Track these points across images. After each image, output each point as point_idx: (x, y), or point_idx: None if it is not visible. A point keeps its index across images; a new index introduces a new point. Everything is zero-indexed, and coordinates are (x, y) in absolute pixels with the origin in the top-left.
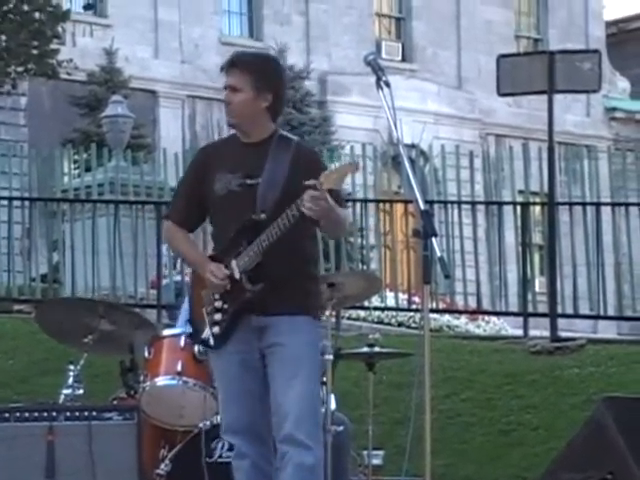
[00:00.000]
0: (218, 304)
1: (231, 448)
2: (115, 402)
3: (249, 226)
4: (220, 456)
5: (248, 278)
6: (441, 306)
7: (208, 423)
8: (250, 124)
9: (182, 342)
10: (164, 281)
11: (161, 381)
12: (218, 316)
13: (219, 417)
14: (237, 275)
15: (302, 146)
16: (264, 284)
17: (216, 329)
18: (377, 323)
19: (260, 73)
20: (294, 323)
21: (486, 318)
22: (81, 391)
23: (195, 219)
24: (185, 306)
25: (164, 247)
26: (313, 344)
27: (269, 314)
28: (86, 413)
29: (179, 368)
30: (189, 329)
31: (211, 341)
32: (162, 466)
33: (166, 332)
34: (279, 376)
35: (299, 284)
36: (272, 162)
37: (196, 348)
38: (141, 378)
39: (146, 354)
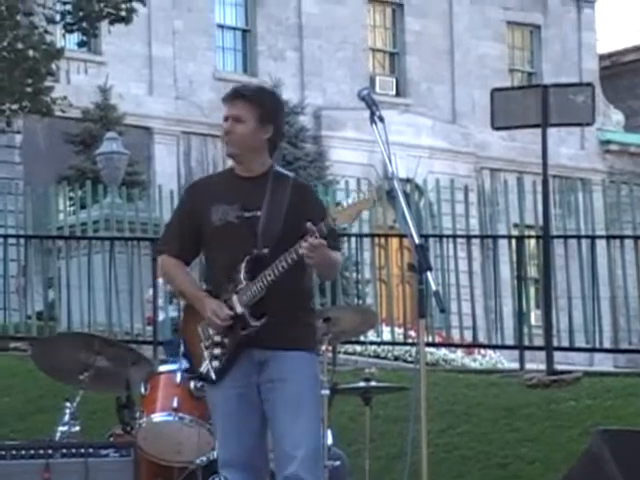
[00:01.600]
0: (217, 338)
1: None
2: (112, 439)
3: (252, 260)
4: None
5: (250, 313)
6: (437, 340)
7: (205, 459)
8: (249, 155)
9: (178, 378)
10: (160, 317)
11: (158, 417)
12: (217, 350)
13: (216, 453)
14: (239, 310)
15: (299, 182)
16: (267, 318)
17: (216, 363)
18: (373, 357)
19: (264, 105)
20: (295, 359)
21: (482, 352)
22: (77, 428)
23: (191, 252)
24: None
25: (159, 283)
26: (315, 380)
27: (270, 348)
28: (82, 450)
29: (175, 404)
30: (185, 365)
31: (212, 375)
32: None
33: (162, 368)
34: (282, 413)
35: (298, 319)
36: (271, 197)
37: (192, 384)
38: (137, 414)
39: (142, 390)
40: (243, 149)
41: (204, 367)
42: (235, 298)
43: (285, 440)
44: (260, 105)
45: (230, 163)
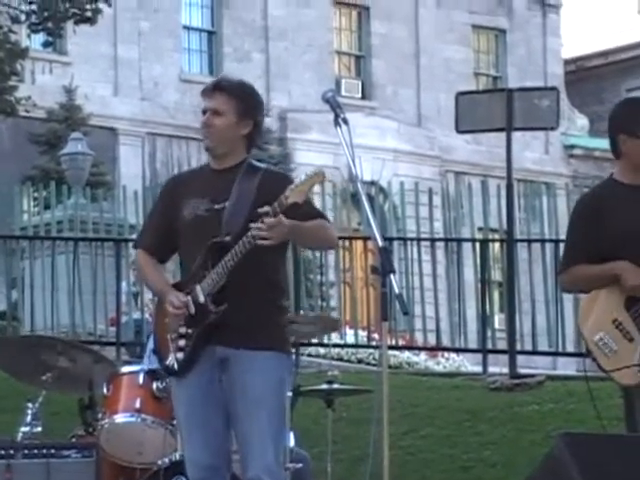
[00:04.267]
0: (183, 330)
1: None
2: (74, 440)
3: (214, 249)
4: None
5: (213, 300)
6: (400, 343)
7: (167, 460)
8: (226, 149)
9: (141, 379)
10: (123, 318)
11: (120, 418)
12: (182, 342)
13: (178, 454)
14: (202, 299)
15: (271, 171)
16: (228, 305)
17: (180, 355)
18: (336, 360)
19: (245, 100)
20: (257, 360)
21: (445, 355)
22: (39, 429)
23: (165, 248)
24: (150, 344)
25: (123, 284)
26: (278, 381)
27: (232, 346)
28: (44, 451)
29: (138, 405)
30: (148, 366)
31: (175, 366)
32: None
33: (125, 369)
34: (243, 415)
35: (266, 315)
36: (239, 187)
37: (155, 385)
38: (100, 415)
39: (105, 391)
40: (220, 142)
41: (169, 360)
42: (198, 288)
43: (247, 442)
44: (241, 99)
45: (195, 162)
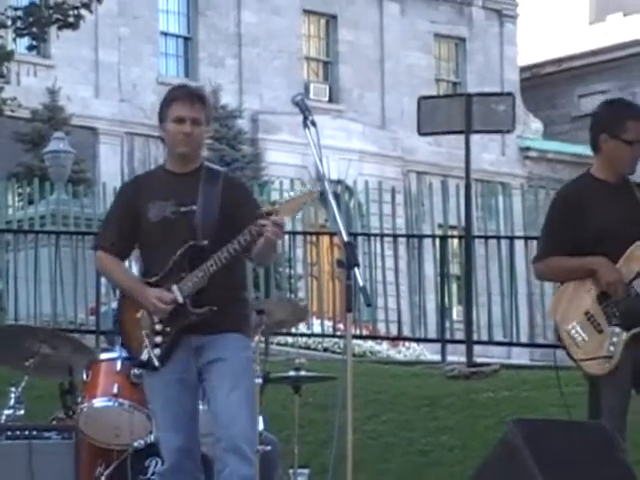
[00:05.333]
0: (158, 327)
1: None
2: (54, 422)
3: (192, 252)
4: (153, 473)
5: (192, 302)
6: (364, 333)
7: (142, 442)
8: (197, 154)
9: (118, 366)
10: (103, 308)
11: (98, 402)
12: (159, 338)
13: (153, 436)
14: (180, 299)
15: (230, 177)
16: (209, 309)
17: (157, 351)
18: (304, 349)
19: (209, 108)
20: (230, 339)
21: (406, 344)
22: (22, 412)
23: (127, 248)
24: None
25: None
26: (249, 359)
27: (207, 333)
28: (27, 433)
29: (115, 390)
30: (125, 354)
31: (155, 362)
32: None
33: (103, 356)
34: (220, 388)
35: (234, 307)
36: (204, 191)
37: (131, 371)
38: (79, 400)
39: (84, 377)
40: (196, 150)
41: (145, 354)
42: (175, 287)
43: (225, 412)
44: (208, 107)
45: (161, 161)
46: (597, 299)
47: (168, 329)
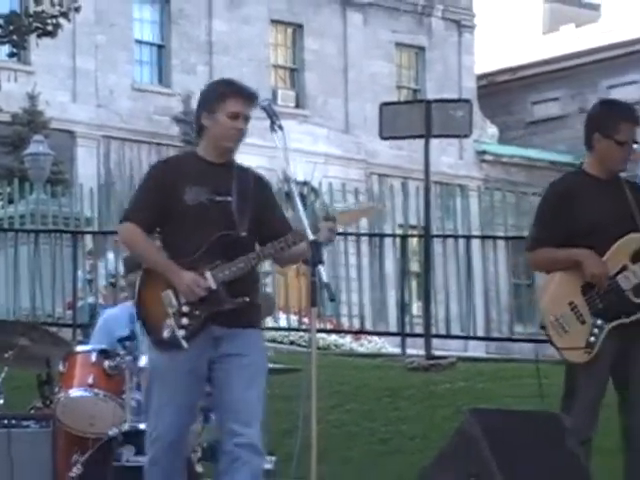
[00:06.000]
0: (185, 308)
1: (138, 453)
2: (33, 412)
3: (229, 241)
4: (127, 460)
5: (227, 291)
6: (328, 327)
7: (117, 431)
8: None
9: (94, 358)
10: (79, 303)
11: (74, 393)
12: (185, 320)
13: (127, 424)
14: (214, 286)
15: (259, 176)
16: (244, 299)
17: (182, 332)
18: (271, 342)
19: None
20: (250, 335)
21: (368, 338)
22: (1, 401)
23: (155, 224)
24: (100, 325)
25: (79, 272)
26: (265, 355)
27: (228, 326)
28: (6, 421)
29: (90, 381)
30: (100, 346)
31: (183, 343)
32: (74, 470)
33: (79, 348)
34: (238, 383)
35: (254, 301)
36: (238, 185)
37: (106, 363)
38: (56, 390)
39: (61, 368)
40: (239, 145)
41: (167, 333)
42: (209, 274)
43: (240, 407)
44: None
45: (145, 164)
46: (581, 290)
47: (197, 312)
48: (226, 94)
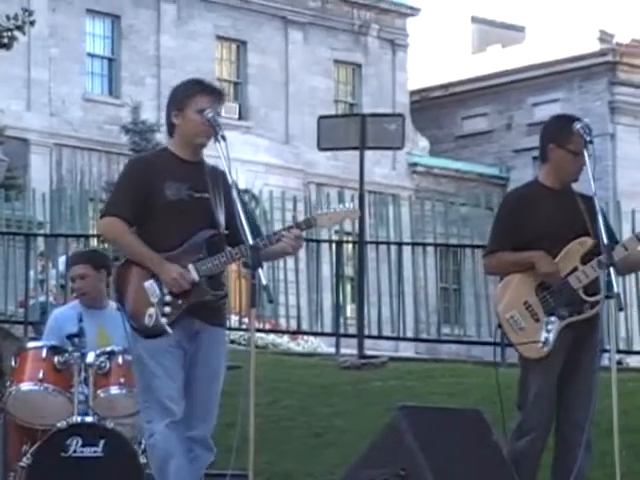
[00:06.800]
0: (168, 298)
1: (85, 444)
2: None
3: (214, 237)
4: (74, 451)
5: (208, 284)
6: (267, 327)
7: (65, 423)
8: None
9: (44, 353)
10: (31, 301)
11: (25, 386)
12: (167, 309)
13: (75, 417)
14: (197, 278)
15: (226, 177)
16: (225, 291)
17: (164, 320)
18: None
19: None
20: (220, 335)
21: (305, 338)
22: None
23: (135, 219)
24: (50, 323)
25: (31, 272)
26: (226, 355)
27: (207, 322)
28: None
29: (41, 376)
30: (50, 343)
31: (167, 328)
32: (24, 459)
33: (30, 345)
34: (203, 381)
35: (224, 298)
36: (212, 183)
37: (56, 359)
38: (7, 384)
39: (12, 363)
40: (209, 141)
41: (149, 320)
42: (192, 267)
43: (202, 403)
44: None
45: (96, 171)
46: (535, 291)
47: (179, 302)
48: (194, 91)
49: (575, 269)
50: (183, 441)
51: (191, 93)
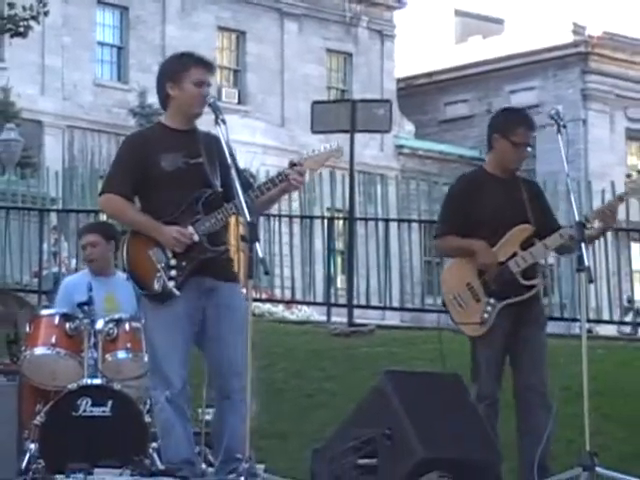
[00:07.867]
0: (173, 262)
1: (94, 404)
2: (1, 367)
3: (207, 197)
4: (84, 411)
5: (208, 241)
6: (263, 297)
7: (75, 385)
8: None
9: (57, 320)
10: (44, 272)
11: (39, 351)
12: (173, 272)
13: (85, 380)
14: (197, 238)
15: (218, 139)
16: (225, 247)
17: (172, 283)
18: None
19: None
20: (236, 289)
21: (298, 307)
22: None
23: (133, 194)
24: (61, 291)
25: (44, 245)
26: (246, 309)
27: (219, 278)
28: None
29: (53, 340)
30: (62, 310)
31: (175, 291)
32: (38, 418)
33: (44, 312)
34: (229, 334)
35: (227, 254)
36: (205, 148)
37: (67, 325)
38: (22, 348)
39: (27, 329)
40: (203, 110)
41: (158, 286)
42: (191, 227)
43: (232, 356)
44: None
45: (105, 151)
46: (478, 274)
47: (184, 264)
48: (189, 64)
49: (515, 254)
50: (182, 412)
51: (187, 65)
